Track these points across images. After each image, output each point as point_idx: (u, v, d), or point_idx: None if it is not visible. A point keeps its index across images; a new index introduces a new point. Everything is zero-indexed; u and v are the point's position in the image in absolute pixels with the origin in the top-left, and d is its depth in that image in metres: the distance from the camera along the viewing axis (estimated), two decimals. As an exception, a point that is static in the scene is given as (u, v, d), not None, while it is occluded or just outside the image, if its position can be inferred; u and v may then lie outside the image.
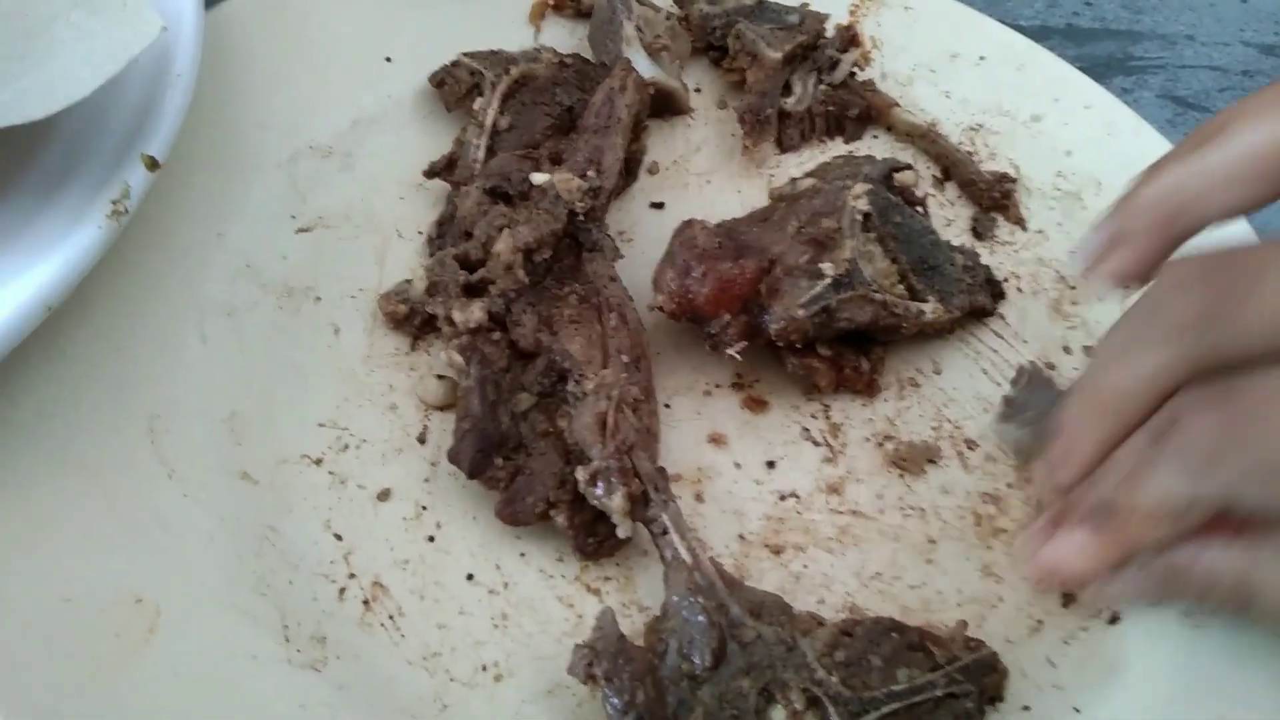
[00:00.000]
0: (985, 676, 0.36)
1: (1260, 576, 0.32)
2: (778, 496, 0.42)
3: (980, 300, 0.47)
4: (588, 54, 0.55)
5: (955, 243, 0.49)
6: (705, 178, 0.53)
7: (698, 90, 0.56)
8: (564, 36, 0.56)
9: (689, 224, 0.44)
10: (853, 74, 0.56)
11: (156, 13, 0.39)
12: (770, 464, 0.43)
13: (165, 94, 0.42)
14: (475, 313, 0.42)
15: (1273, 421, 0.31)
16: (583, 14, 0.56)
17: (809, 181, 0.48)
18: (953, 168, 0.54)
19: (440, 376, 0.43)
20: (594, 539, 0.39)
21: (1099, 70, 0.63)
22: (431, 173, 0.49)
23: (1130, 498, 0.34)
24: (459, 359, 0.41)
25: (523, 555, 0.39)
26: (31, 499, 0.35)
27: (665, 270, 0.43)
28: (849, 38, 0.57)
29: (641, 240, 0.49)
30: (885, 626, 0.37)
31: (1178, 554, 0.34)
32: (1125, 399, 0.34)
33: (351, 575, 0.38)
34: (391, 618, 0.37)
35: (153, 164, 0.39)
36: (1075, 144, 0.53)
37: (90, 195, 0.38)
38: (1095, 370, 0.36)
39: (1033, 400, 0.44)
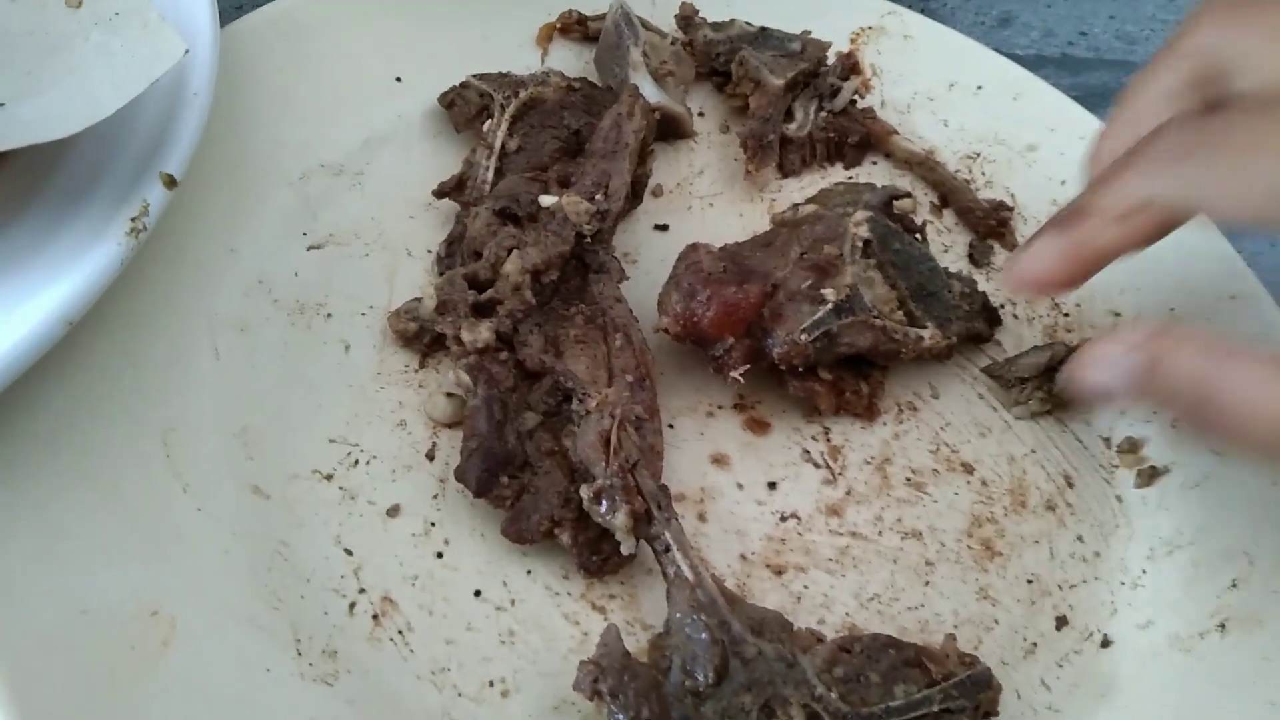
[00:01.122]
0: (980, 692, 0.37)
1: (1218, 381, 0.33)
2: (779, 517, 0.43)
3: (977, 326, 0.48)
4: (594, 77, 0.56)
5: (953, 269, 0.50)
6: (708, 201, 0.54)
7: (701, 114, 0.57)
8: (571, 59, 0.57)
9: (694, 248, 0.45)
10: (853, 101, 0.57)
11: (178, 34, 0.40)
12: (772, 485, 0.44)
13: (183, 113, 0.42)
14: (483, 333, 0.43)
15: (1243, 136, 0.33)
16: (589, 38, 0.57)
17: (810, 208, 0.49)
18: (950, 195, 0.55)
19: (449, 394, 0.44)
20: (598, 557, 0.40)
21: (1093, 100, 0.64)
22: (441, 193, 0.49)
23: (1095, 195, 0.37)
24: (466, 378, 0.42)
25: (529, 572, 0.40)
26: (49, 511, 0.36)
27: (670, 293, 0.44)
28: (850, 65, 0.58)
29: (646, 261, 0.50)
30: (883, 643, 0.37)
31: (1151, 343, 0.35)
32: (1135, 114, 0.38)
33: (361, 590, 0.39)
34: (400, 633, 0.38)
35: (171, 182, 0.40)
36: (1070, 173, 0.54)
37: (110, 212, 0.39)
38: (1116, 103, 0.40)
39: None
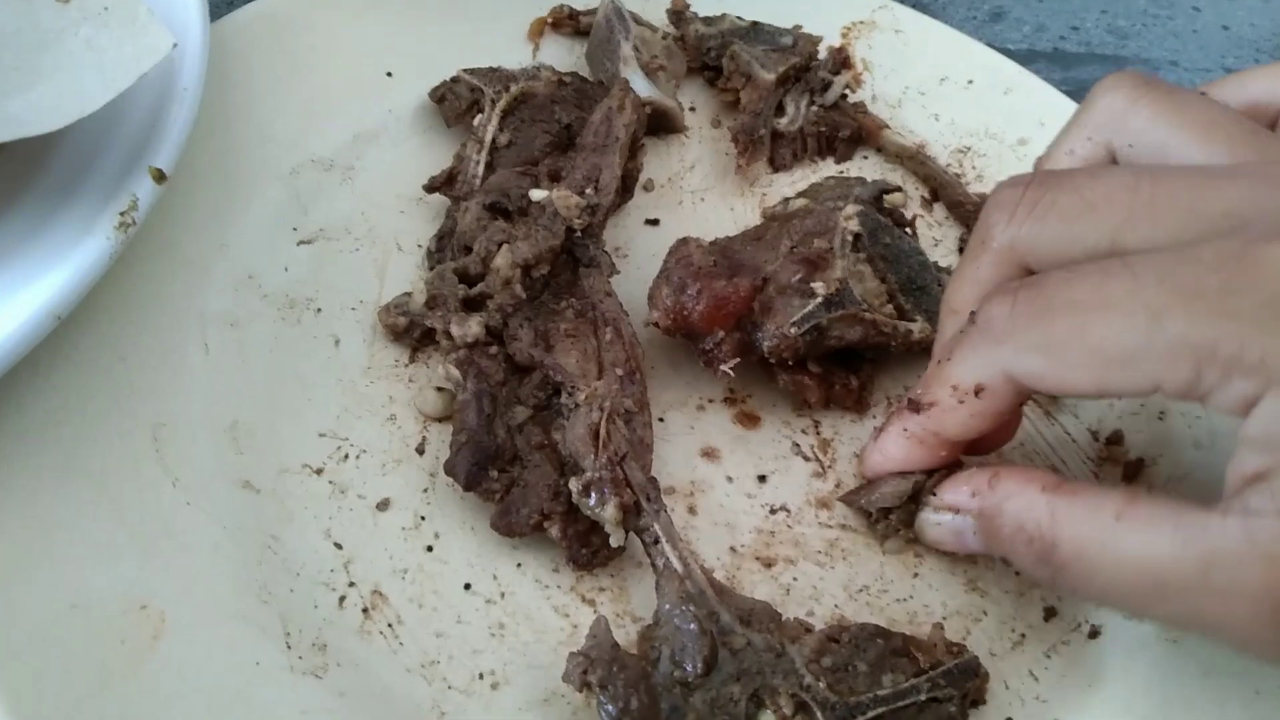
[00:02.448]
0: (968, 681, 0.37)
1: (1060, 528, 0.33)
2: (769, 510, 0.43)
3: None
4: (586, 72, 0.56)
5: (943, 263, 0.50)
6: (699, 195, 0.54)
7: (692, 109, 0.57)
8: (562, 54, 0.57)
9: (684, 242, 0.45)
10: (844, 96, 0.57)
11: (167, 29, 0.40)
12: (761, 478, 0.44)
13: (172, 108, 0.42)
14: (473, 327, 0.43)
15: (1054, 301, 0.33)
16: (581, 32, 0.57)
17: (801, 202, 0.49)
18: (941, 189, 0.55)
19: (439, 389, 0.44)
20: (588, 549, 0.40)
21: (1084, 94, 0.64)
22: (431, 187, 0.49)
23: (928, 386, 0.38)
24: (456, 373, 0.42)
25: (519, 565, 0.40)
26: (39, 506, 0.36)
27: (661, 287, 0.44)
28: (841, 60, 0.58)
29: (637, 256, 0.50)
30: (870, 633, 0.38)
31: (997, 493, 0.36)
32: (959, 305, 0.38)
33: (351, 584, 0.39)
34: (390, 626, 0.38)
35: (160, 177, 0.40)
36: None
37: (98, 207, 0.39)
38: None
39: None
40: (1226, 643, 0.31)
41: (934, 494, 0.40)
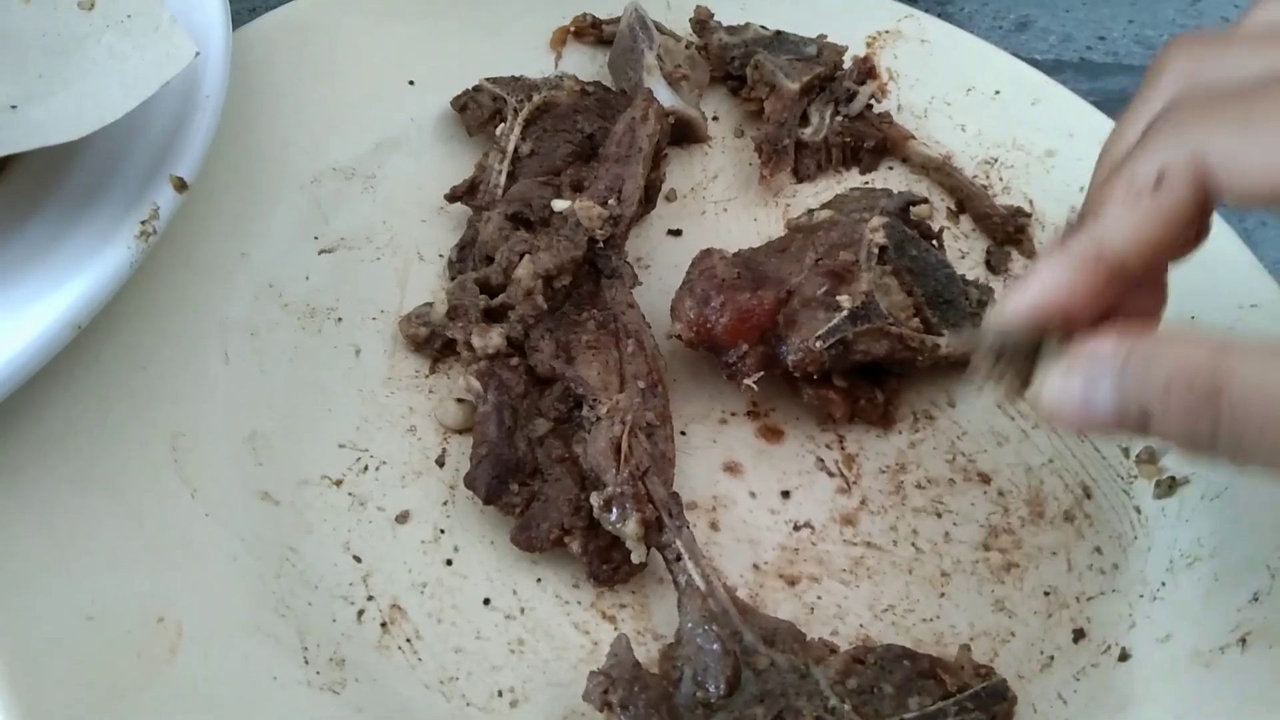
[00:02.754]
0: (996, 704, 0.36)
1: (1230, 373, 0.28)
2: (792, 526, 0.42)
3: None
4: (608, 80, 0.55)
5: (969, 276, 0.50)
6: (722, 205, 0.54)
7: (715, 119, 0.57)
8: (584, 63, 0.57)
9: (708, 253, 0.45)
10: (869, 106, 0.57)
11: (189, 37, 0.40)
12: (785, 494, 0.43)
13: (194, 116, 0.42)
14: (494, 339, 0.42)
15: (1255, 89, 0.29)
16: (604, 41, 0.57)
17: (826, 213, 0.48)
18: (967, 201, 0.55)
19: (459, 400, 0.43)
20: (609, 565, 0.39)
21: (1112, 105, 0.63)
22: (453, 196, 0.49)
23: (1093, 195, 0.32)
24: (477, 384, 0.42)
25: (539, 581, 0.40)
26: (57, 516, 0.36)
27: (684, 299, 0.43)
28: (866, 70, 0.57)
29: (659, 267, 0.50)
30: (897, 654, 0.37)
31: (1147, 339, 0.29)
32: (1123, 153, 0.33)
33: (370, 597, 0.38)
34: (409, 640, 0.38)
35: (181, 185, 0.40)
36: (1089, 180, 0.53)
37: (119, 215, 0.39)
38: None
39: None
40: None
41: (1072, 345, 0.31)
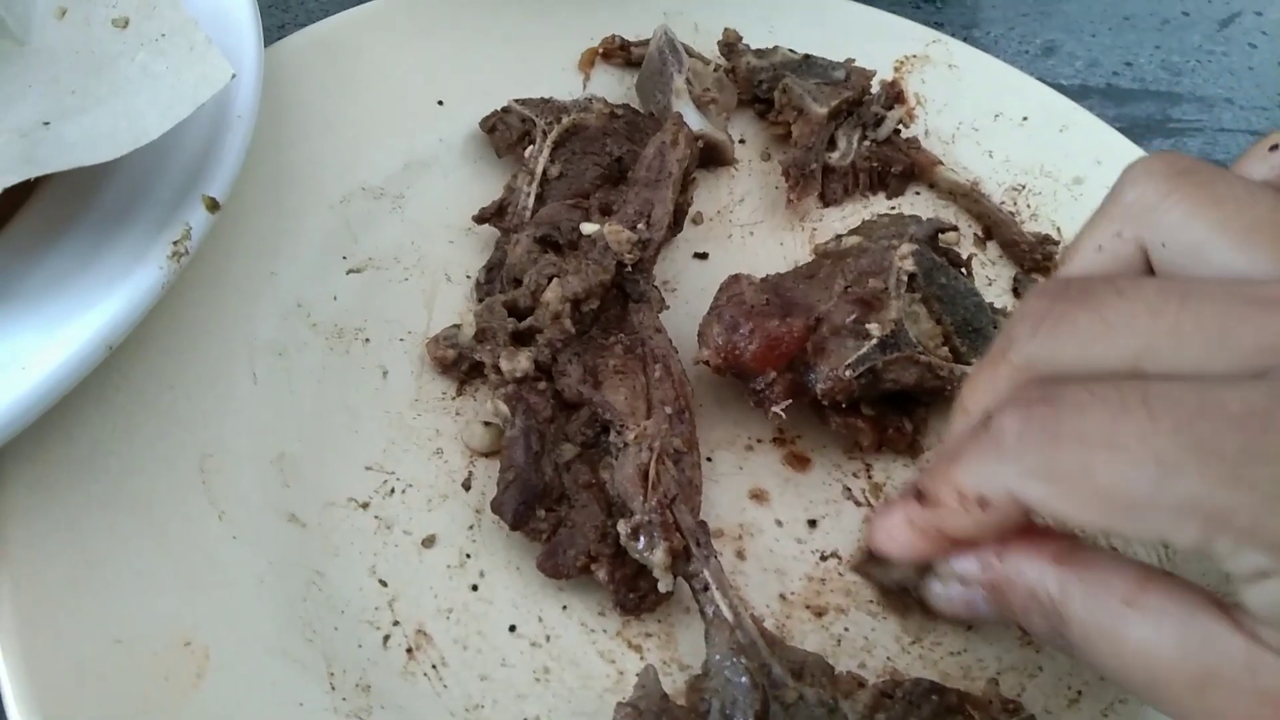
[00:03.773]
0: (1024, 741, 0.36)
1: (1069, 605, 0.31)
2: (819, 556, 0.42)
3: None
4: (636, 103, 0.55)
5: (997, 304, 0.49)
6: (748, 229, 0.53)
7: (742, 141, 0.57)
8: (613, 85, 0.57)
9: (736, 279, 0.44)
10: (897, 131, 0.56)
11: (225, 58, 0.40)
12: (812, 523, 0.43)
13: (226, 135, 0.42)
14: (522, 362, 0.42)
15: (1064, 428, 0.30)
16: (632, 63, 0.57)
17: (855, 239, 0.48)
18: (995, 228, 0.54)
19: (486, 423, 0.43)
20: (635, 594, 0.39)
21: (1138, 131, 0.63)
22: (481, 218, 0.49)
23: (934, 482, 0.34)
24: (504, 408, 0.42)
25: (565, 608, 0.39)
26: (85, 537, 0.36)
27: (712, 325, 0.43)
28: (894, 94, 0.57)
29: (685, 290, 0.50)
30: (925, 689, 0.36)
31: (1005, 566, 0.33)
32: (972, 407, 0.34)
33: (396, 623, 0.38)
34: (435, 667, 0.37)
35: (213, 205, 0.40)
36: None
37: (152, 235, 0.39)
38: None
39: None
40: None
41: (941, 564, 0.36)
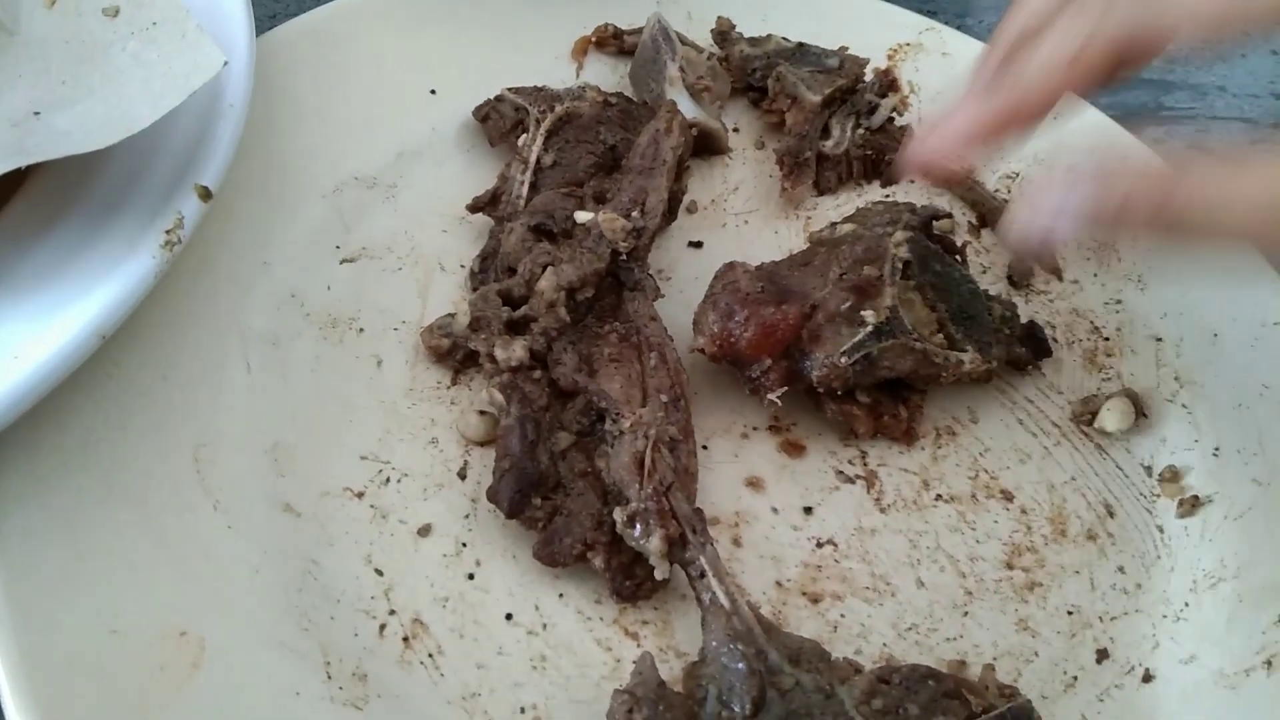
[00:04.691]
0: (1021, 725, 0.36)
1: (1184, 166, 0.32)
2: (815, 543, 0.42)
3: (1017, 351, 0.47)
4: (629, 91, 0.55)
5: (992, 291, 0.49)
6: (743, 217, 0.53)
7: (736, 130, 0.57)
8: (606, 73, 0.56)
9: (731, 267, 0.44)
10: (891, 119, 0.56)
11: (217, 46, 0.39)
12: (808, 509, 0.43)
13: (218, 125, 0.42)
14: (517, 351, 0.42)
15: None
16: (625, 51, 0.57)
17: (849, 227, 0.48)
18: (989, 215, 0.54)
19: (481, 412, 0.43)
20: (631, 581, 0.39)
21: (1131, 119, 0.63)
22: (475, 207, 0.49)
23: (1018, 65, 0.36)
24: (499, 397, 0.42)
25: (561, 596, 0.39)
26: (78, 527, 0.36)
27: (707, 313, 0.43)
28: (888, 82, 0.57)
29: (680, 279, 0.50)
30: (922, 674, 0.37)
31: (1100, 167, 0.34)
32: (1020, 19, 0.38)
33: (392, 612, 0.38)
34: (431, 656, 0.37)
35: (206, 194, 0.40)
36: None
37: (144, 224, 0.39)
38: None
39: None
40: None
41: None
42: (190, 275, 0.43)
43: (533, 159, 0.49)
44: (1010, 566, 0.43)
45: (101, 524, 0.36)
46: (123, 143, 0.38)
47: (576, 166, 0.49)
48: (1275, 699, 0.38)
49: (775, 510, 0.43)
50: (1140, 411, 0.47)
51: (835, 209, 0.54)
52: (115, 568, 0.35)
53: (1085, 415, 0.47)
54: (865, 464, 0.45)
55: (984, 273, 0.52)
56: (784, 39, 0.57)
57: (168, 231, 0.38)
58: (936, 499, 0.44)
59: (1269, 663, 0.39)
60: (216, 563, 0.37)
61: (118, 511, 0.37)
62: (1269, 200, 0.31)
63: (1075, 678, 0.40)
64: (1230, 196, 0.31)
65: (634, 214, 0.46)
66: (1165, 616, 0.42)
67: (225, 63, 0.39)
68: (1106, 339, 0.50)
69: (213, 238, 0.44)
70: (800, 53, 0.57)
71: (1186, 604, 0.42)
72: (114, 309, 0.36)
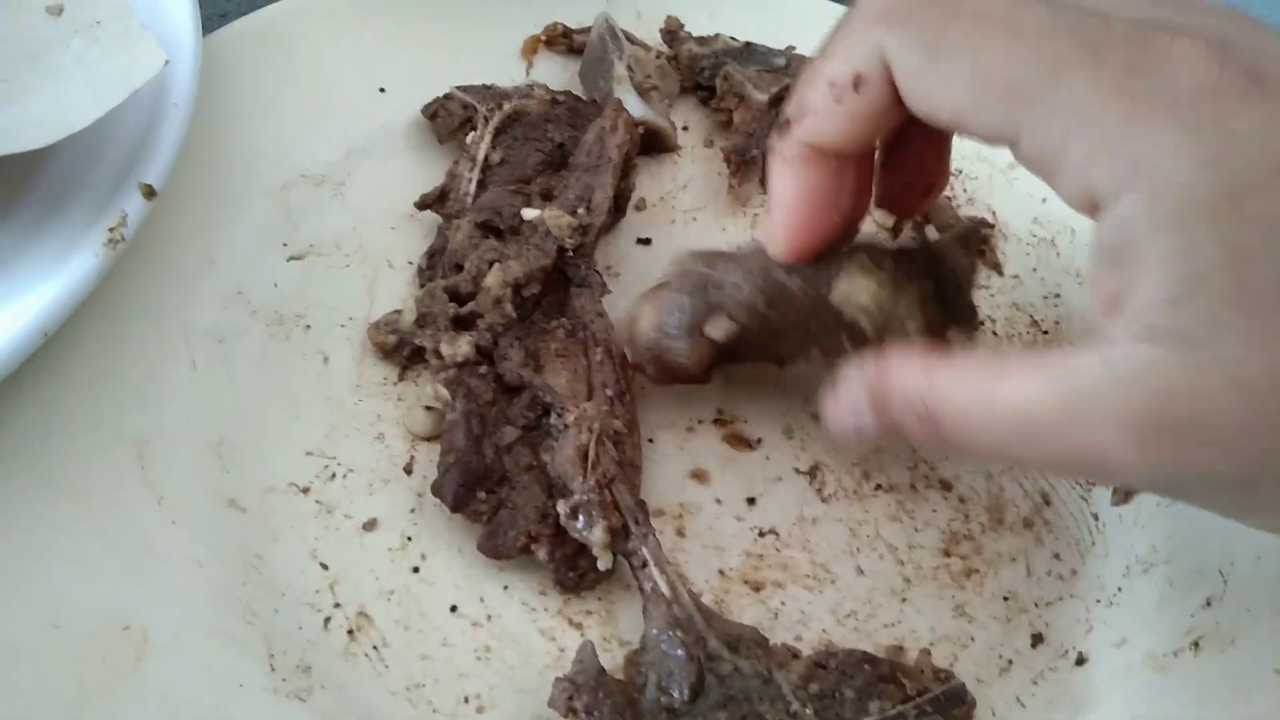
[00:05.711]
0: (955, 707, 0.37)
1: (940, 393, 0.32)
2: (757, 533, 0.43)
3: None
4: (579, 90, 0.56)
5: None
6: (691, 214, 0.54)
7: (685, 129, 0.57)
8: (556, 72, 0.57)
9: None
10: (837, 117, 0.57)
11: (159, 44, 0.40)
12: (751, 500, 0.44)
13: (162, 123, 0.42)
14: (463, 346, 0.43)
15: (962, 5, 0.30)
16: (575, 50, 0.57)
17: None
18: (932, 212, 0.55)
19: (428, 408, 0.43)
20: (575, 572, 0.40)
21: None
22: (423, 204, 0.49)
23: (803, 86, 0.34)
24: (445, 392, 0.42)
25: (506, 588, 0.40)
26: (20, 523, 0.36)
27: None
28: (834, 81, 0.58)
29: (628, 275, 0.50)
30: (858, 659, 0.37)
31: (881, 378, 0.34)
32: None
33: (337, 605, 0.38)
34: (375, 648, 0.38)
35: (150, 193, 0.40)
36: (1051, 192, 0.54)
37: (87, 223, 0.39)
38: None
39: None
40: (1100, 477, 0.33)
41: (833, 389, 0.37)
42: (135, 273, 0.43)
43: (480, 156, 0.49)
44: (948, 554, 0.43)
45: (42, 519, 0.36)
46: (65, 141, 0.38)
47: (524, 164, 0.49)
48: (1202, 678, 0.39)
49: (719, 501, 0.44)
50: (1077, 403, 0.48)
51: (782, 206, 0.55)
52: (57, 562, 0.35)
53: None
54: (808, 455, 0.46)
55: (927, 268, 0.53)
56: (731, 38, 0.58)
57: (111, 230, 0.39)
58: (876, 489, 0.45)
59: (1196, 644, 0.40)
60: (159, 557, 0.37)
61: (59, 506, 0.37)
62: (1014, 421, 0.30)
63: (1010, 661, 0.41)
64: (984, 419, 0.31)
65: (580, 210, 0.46)
66: (1099, 601, 0.43)
67: (167, 61, 0.39)
68: (1045, 332, 0.51)
69: (159, 236, 0.44)
70: (748, 52, 0.58)
71: (1119, 589, 0.43)
72: (57, 307, 0.37)
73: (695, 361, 0.42)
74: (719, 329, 0.41)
